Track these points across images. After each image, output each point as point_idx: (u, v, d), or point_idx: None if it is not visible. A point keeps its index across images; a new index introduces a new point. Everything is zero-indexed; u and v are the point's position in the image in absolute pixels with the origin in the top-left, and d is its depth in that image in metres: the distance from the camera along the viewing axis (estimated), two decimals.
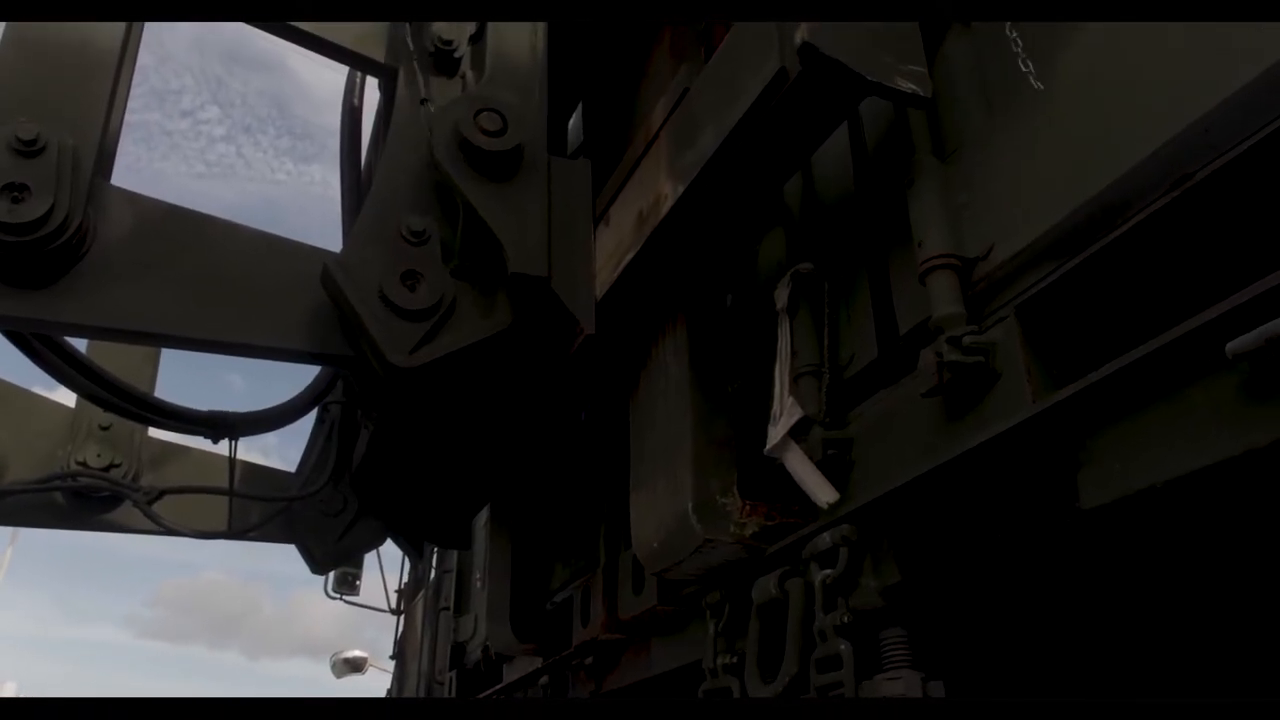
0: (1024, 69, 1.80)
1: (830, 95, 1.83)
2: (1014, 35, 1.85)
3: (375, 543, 4.27)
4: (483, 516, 4.91)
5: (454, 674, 5.89)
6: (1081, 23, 1.66)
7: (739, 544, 2.19)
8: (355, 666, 11.29)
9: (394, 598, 9.58)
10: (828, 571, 1.93)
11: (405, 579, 9.28)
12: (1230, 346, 1.17)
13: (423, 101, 2.80)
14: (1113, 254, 1.52)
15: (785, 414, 2.13)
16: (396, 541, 4.23)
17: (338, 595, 8.45)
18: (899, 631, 1.82)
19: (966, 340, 1.70)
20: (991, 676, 2.07)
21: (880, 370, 2.06)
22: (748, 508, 2.22)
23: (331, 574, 8.82)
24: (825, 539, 1.96)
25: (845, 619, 1.87)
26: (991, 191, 1.82)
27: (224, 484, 3.74)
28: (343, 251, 2.51)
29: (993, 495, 1.70)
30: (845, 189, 2.32)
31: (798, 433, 2.11)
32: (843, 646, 1.83)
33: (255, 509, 4.07)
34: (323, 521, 4.17)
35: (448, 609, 6.24)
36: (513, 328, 2.52)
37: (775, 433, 2.14)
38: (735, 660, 2.25)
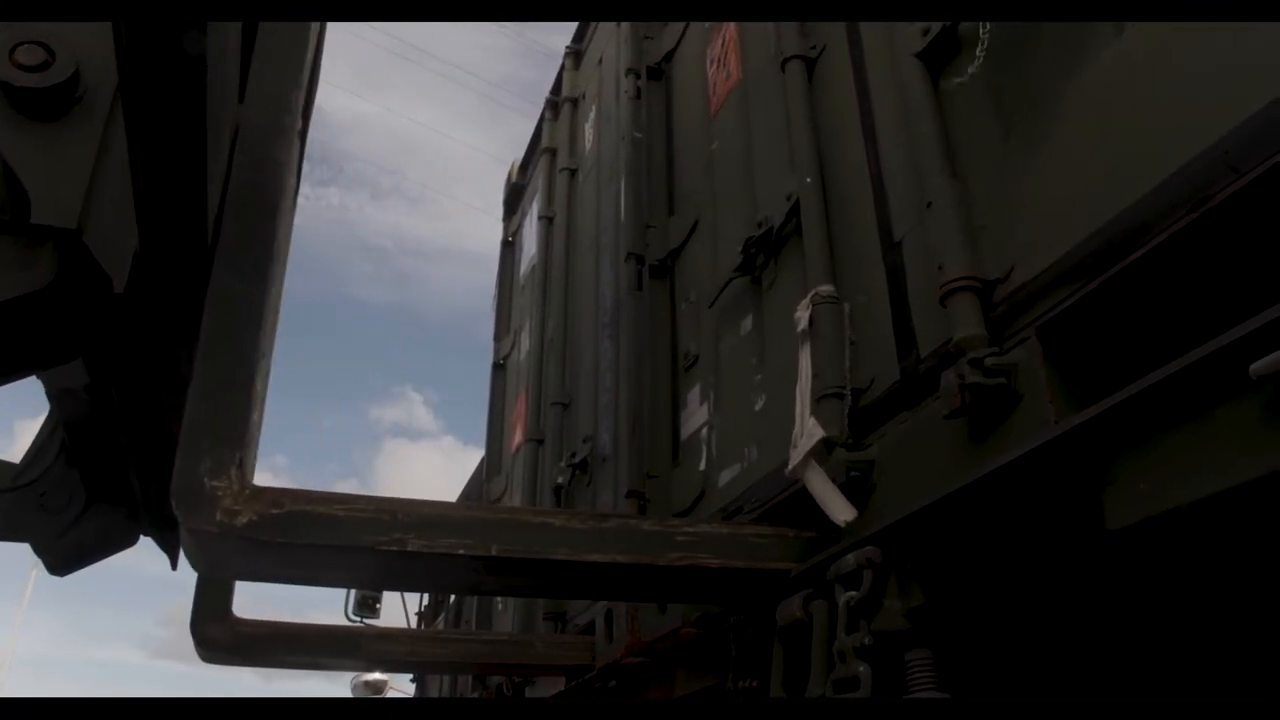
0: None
1: None
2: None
3: (122, 539, 3.78)
4: None
5: (477, 696, 5.88)
6: (1099, 43, 1.67)
7: (231, 536, 1.77)
8: (376, 690, 11.28)
9: (414, 620, 9.55)
10: (852, 593, 1.93)
11: (425, 601, 9.27)
12: (1254, 368, 1.17)
13: None
14: (1133, 275, 1.53)
15: (806, 435, 2.14)
16: (152, 537, 3.87)
17: (357, 618, 8.34)
18: (925, 653, 1.82)
19: (988, 362, 1.71)
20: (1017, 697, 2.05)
21: (901, 393, 2.07)
22: (247, 493, 1.79)
23: (352, 597, 8.75)
24: (849, 561, 1.96)
25: (866, 640, 1.86)
26: (1010, 213, 1.83)
27: None
28: None
29: (1017, 516, 1.70)
30: (864, 210, 2.34)
31: (819, 454, 2.11)
32: (861, 669, 1.82)
33: None
34: (42, 518, 3.70)
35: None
36: (56, 284, 2.15)
37: (796, 454, 2.15)
38: (757, 684, 2.25)
